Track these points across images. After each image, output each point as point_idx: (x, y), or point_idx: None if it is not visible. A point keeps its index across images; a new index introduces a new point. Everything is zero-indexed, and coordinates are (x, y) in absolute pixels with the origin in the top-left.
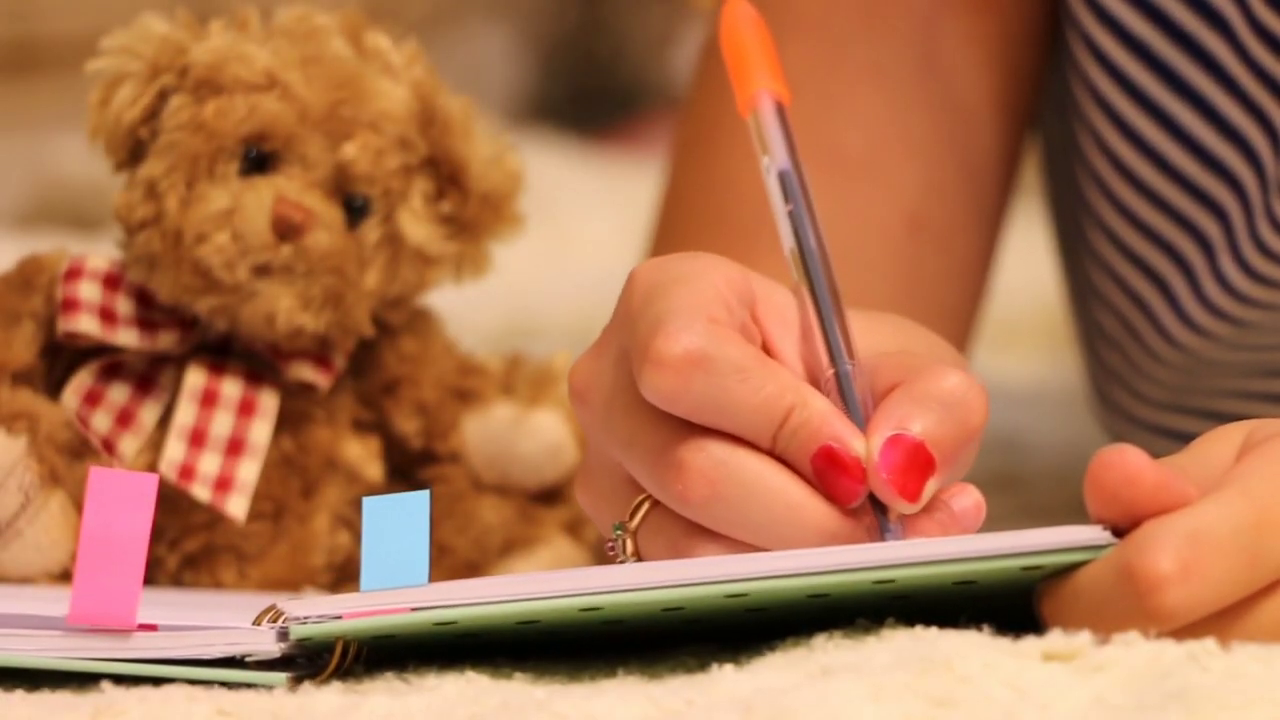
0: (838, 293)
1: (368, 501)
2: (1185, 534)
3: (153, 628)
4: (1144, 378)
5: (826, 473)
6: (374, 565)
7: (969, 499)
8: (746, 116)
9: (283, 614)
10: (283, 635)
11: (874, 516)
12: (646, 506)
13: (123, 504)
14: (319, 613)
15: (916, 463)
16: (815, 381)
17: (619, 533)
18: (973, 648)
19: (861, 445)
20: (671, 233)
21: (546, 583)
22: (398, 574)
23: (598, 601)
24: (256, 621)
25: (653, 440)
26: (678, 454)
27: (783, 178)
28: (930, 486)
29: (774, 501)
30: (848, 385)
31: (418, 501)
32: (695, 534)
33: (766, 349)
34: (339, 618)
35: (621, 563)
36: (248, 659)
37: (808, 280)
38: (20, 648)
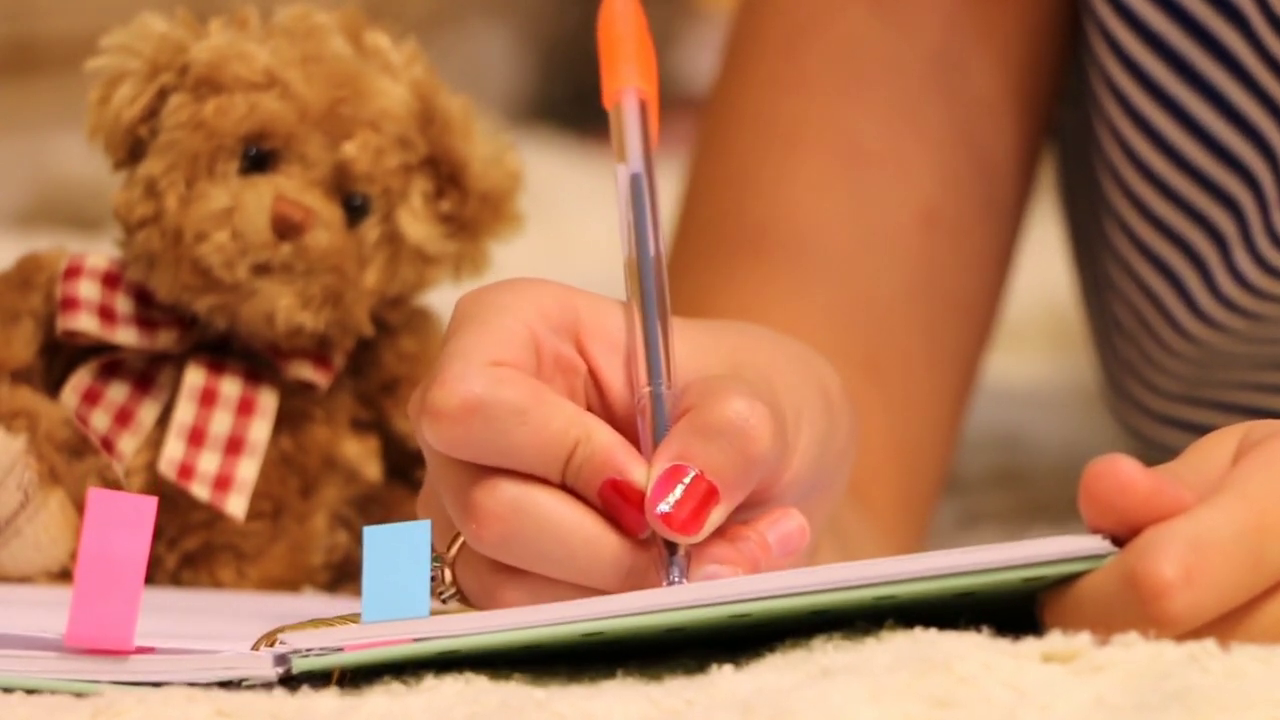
0: (666, 309)
1: (368, 531)
2: (1188, 540)
3: (150, 650)
4: (1157, 370)
5: (613, 505)
6: (375, 596)
7: (792, 523)
8: (610, 108)
9: (280, 640)
10: (280, 660)
11: (661, 547)
12: (462, 539)
13: (121, 526)
14: (321, 645)
15: (694, 494)
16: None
17: (437, 564)
18: (972, 649)
19: (644, 476)
20: (687, 229)
21: (547, 613)
22: (399, 605)
23: (600, 627)
24: (255, 647)
25: (452, 480)
26: (472, 495)
27: (633, 182)
28: (714, 516)
29: (569, 536)
30: (659, 408)
31: (418, 532)
32: (499, 571)
33: (593, 375)
34: (341, 650)
35: (441, 594)
36: (244, 682)
37: (639, 293)
38: (19, 669)
